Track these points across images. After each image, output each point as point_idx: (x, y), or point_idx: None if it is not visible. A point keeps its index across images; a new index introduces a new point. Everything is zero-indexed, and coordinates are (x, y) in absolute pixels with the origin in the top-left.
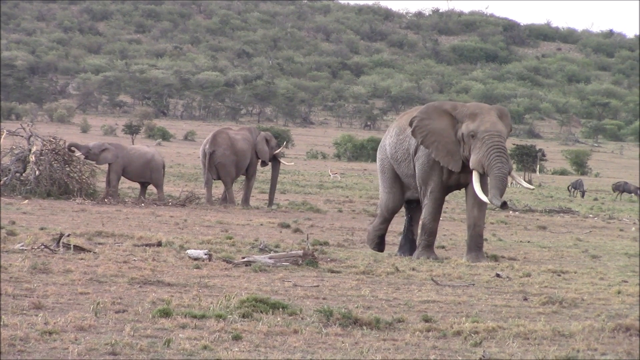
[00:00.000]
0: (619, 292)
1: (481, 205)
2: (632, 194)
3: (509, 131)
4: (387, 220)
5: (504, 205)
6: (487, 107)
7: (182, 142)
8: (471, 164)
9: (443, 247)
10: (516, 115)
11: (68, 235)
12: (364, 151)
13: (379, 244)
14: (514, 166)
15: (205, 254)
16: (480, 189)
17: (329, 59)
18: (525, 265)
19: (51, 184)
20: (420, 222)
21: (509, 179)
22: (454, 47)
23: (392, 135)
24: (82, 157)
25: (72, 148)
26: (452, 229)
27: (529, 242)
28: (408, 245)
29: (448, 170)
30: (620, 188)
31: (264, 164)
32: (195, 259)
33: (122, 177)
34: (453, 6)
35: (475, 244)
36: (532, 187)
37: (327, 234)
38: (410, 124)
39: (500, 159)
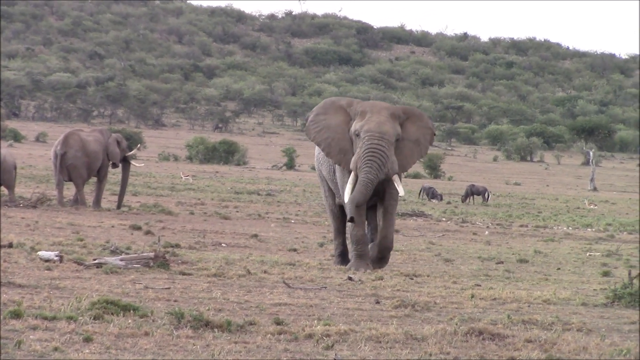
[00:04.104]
0: (472, 296)
1: (387, 215)
2: (481, 195)
3: (428, 133)
4: (339, 232)
5: (350, 220)
6: (381, 106)
7: (34, 144)
8: (350, 164)
9: (295, 249)
10: None
11: None
12: (216, 153)
13: (342, 262)
14: None
15: (57, 256)
16: (351, 191)
17: (181, 61)
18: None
19: None
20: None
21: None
22: (307, 50)
23: None
24: None
25: None
26: (305, 231)
27: None
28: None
29: None
30: (469, 192)
31: (114, 165)
32: (47, 260)
33: None
34: (306, 8)
35: (381, 256)
36: (403, 193)
37: (179, 236)
38: (307, 120)
39: (371, 163)
